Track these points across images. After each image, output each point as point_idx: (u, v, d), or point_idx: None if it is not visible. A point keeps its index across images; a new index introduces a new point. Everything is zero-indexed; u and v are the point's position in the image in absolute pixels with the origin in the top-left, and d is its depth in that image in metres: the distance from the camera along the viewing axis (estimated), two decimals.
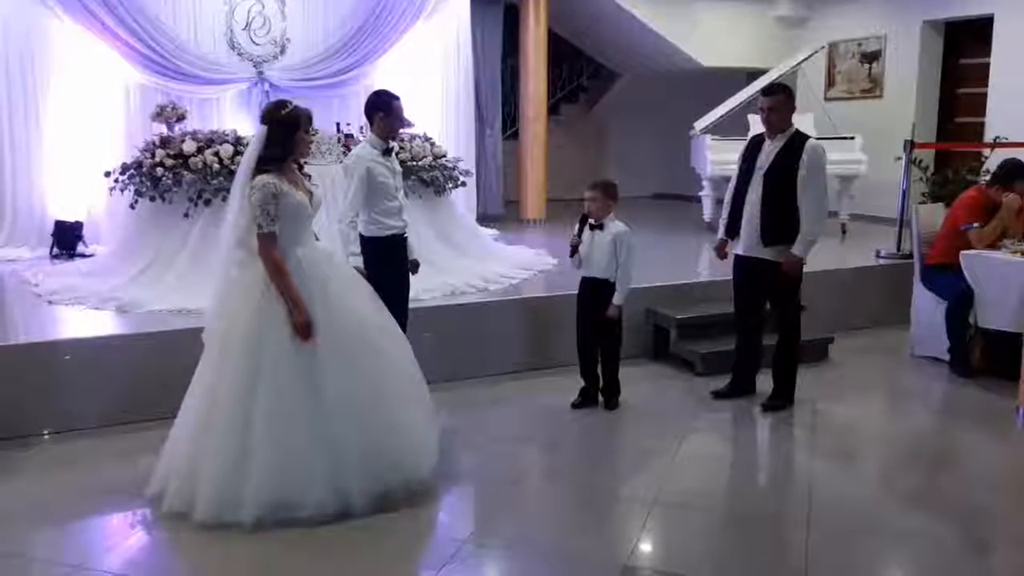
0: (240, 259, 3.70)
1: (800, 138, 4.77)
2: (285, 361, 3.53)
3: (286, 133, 3.66)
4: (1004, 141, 7.80)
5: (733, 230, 4.97)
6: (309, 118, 3.78)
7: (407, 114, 4.77)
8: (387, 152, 4.59)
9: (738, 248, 4.99)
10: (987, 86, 9.19)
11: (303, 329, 3.54)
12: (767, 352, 5.14)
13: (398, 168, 4.73)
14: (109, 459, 4.27)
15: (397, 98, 4.64)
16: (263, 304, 3.57)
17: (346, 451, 3.56)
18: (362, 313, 3.79)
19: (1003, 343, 5.46)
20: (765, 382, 5.12)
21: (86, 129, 7.74)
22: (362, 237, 4.57)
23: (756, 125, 6.94)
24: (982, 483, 4.19)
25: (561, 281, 6.50)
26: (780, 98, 4.77)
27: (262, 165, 3.62)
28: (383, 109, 4.56)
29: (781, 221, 4.73)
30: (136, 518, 3.66)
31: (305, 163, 3.89)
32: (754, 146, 4.91)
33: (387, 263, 4.56)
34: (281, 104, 3.76)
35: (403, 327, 4.36)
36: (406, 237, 4.73)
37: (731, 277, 5.11)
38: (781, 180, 4.71)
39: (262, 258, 3.57)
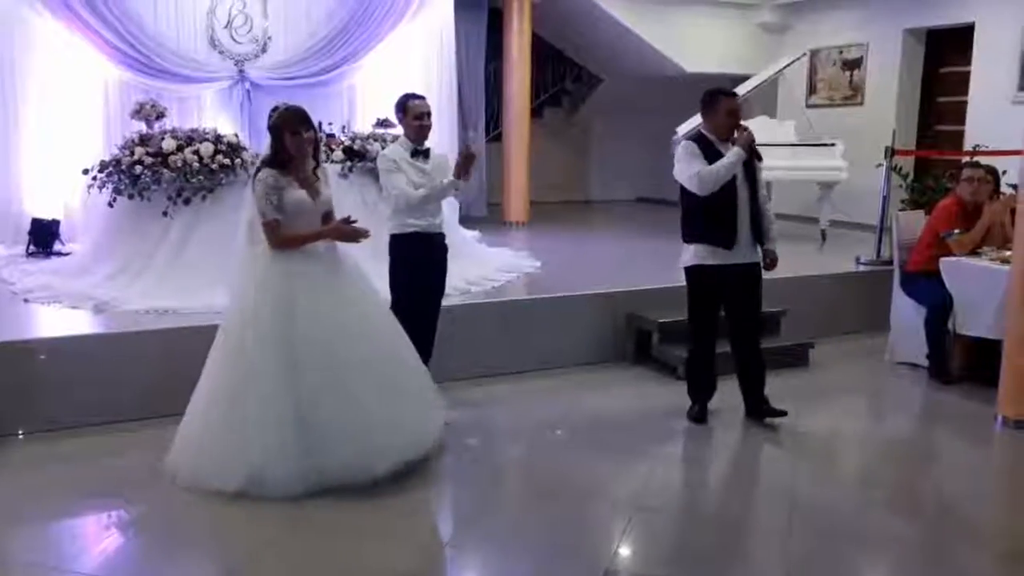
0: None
1: None
2: (264, 348, 3.73)
3: (275, 137, 3.89)
4: (983, 149, 7.86)
5: (732, 240, 4.70)
6: (298, 119, 3.90)
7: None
8: (417, 154, 4.64)
9: (720, 259, 4.73)
10: (967, 94, 9.27)
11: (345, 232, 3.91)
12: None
13: (441, 176, 4.72)
14: (84, 460, 4.20)
15: (417, 97, 4.72)
16: (253, 293, 3.81)
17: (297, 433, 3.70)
18: (357, 306, 3.96)
19: (982, 349, 5.50)
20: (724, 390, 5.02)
21: (65, 126, 7.63)
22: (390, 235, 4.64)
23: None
24: (961, 489, 4.21)
25: (544, 284, 6.50)
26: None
27: (262, 165, 3.90)
28: (401, 110, 4.69)
29: (761, 221, 4.77)
30: (111, 519, 3.62)
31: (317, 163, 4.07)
32: (714, 154, 4.72)
33: (408, 261, 4.58)
34: (273, 110, 3.97)
35: (432, 330, 4.48)
36: (433, 235, 4.73)
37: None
38: (755, 181, 4.76)
39: (271, 244, 3.80)
